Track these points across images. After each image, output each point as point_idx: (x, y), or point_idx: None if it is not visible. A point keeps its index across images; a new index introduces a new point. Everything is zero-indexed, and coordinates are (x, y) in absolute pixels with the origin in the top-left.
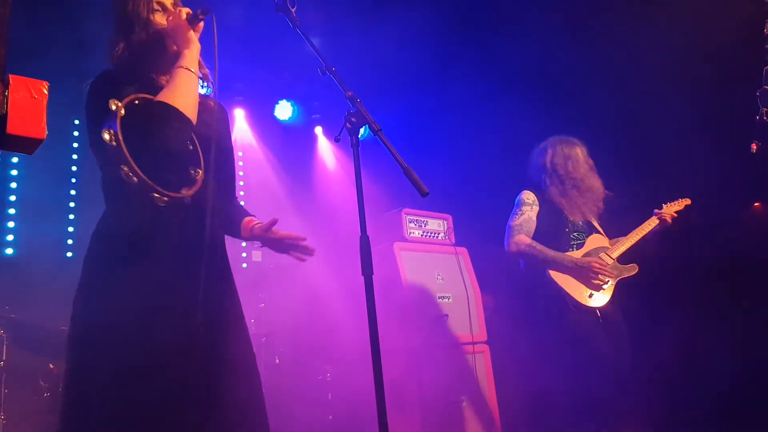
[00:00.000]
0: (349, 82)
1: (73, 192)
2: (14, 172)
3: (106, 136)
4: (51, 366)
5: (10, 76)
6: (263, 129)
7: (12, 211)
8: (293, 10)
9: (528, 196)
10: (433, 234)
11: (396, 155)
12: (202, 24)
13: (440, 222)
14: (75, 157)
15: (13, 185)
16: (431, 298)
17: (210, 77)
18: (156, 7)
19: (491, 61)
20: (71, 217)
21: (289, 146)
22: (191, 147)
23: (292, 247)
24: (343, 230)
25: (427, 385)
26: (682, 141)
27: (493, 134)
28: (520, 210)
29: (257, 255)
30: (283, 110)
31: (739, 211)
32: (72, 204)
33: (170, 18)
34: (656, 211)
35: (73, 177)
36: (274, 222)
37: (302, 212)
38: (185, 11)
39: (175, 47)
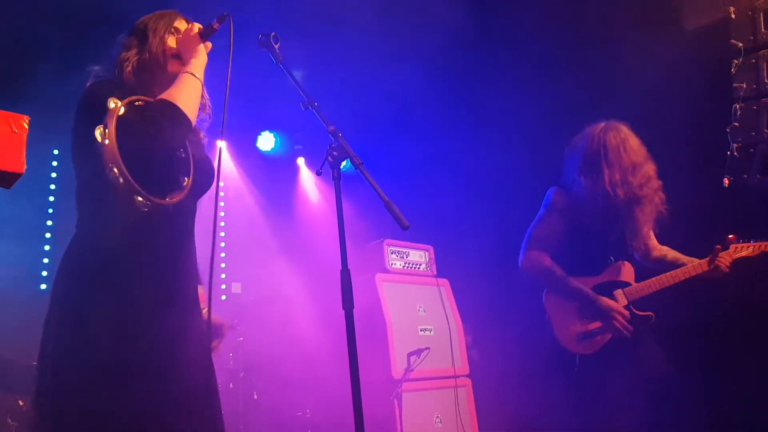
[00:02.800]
0: (331, 115)
1: (49, 222)
2: None
3: (98, 134)
4: (20, 403)
5: None
6: (245, 160)
7: None
8: (276, 46)
9: (560, 199)
10: (414, 265)
11: (377, 189)
12: (210, 44)
13: (422, 253)
14: (53, 187)
15: None
16: (413, 330)
17: (208, 108)
18: (173, 30)
19: (475, 96)
20: (46, 248)
21: (272, 177)
22: (183, 155)
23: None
24: (324, 262)
25: (408, 420)
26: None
27: (474, 165)
28: (548, 216)
29: (237, 287)
30: (266, 141)
31: (711, 244)
32: (48, 235)
33: (183, 32)
34: (717, 248)
35: (50, 207)
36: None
37: (284, 243)
38: (197, 26)
39: (180, 67)
